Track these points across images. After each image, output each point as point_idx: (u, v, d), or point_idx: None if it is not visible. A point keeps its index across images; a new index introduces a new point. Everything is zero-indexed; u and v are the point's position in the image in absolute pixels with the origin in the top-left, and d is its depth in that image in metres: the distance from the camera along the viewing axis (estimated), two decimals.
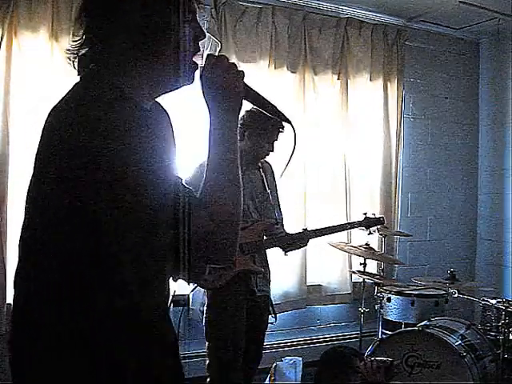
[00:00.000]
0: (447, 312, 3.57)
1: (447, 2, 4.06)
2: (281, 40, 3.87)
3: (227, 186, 1.18)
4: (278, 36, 3.87)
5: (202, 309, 2.94)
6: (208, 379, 2.80)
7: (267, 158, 2.97)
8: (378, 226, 3.49)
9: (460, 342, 2.95)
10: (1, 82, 3.09)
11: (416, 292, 3.51)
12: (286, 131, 2.80)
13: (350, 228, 3.16)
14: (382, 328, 3.54)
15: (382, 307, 3.53)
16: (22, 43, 3.15)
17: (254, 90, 1.28)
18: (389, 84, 4.34)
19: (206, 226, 1.13)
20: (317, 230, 2.96)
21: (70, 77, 1.32)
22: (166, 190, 1.12)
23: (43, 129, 1.17)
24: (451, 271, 3.26)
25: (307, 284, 3.98)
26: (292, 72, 3.93)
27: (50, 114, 1.17)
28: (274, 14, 3.85)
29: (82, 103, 1.10)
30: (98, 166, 1.00)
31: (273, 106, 1.31)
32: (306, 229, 2.94)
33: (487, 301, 3.19)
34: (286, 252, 2.90)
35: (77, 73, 1.25)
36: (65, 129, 1.09)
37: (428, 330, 2.97)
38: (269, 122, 2.73)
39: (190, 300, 3.52)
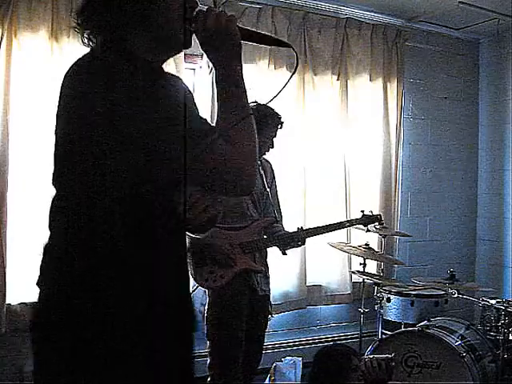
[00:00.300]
0: (447, 312, 3.57)
1: (447, 2, 4.06)
2: None
3: (241, 120, 1.25)
4: (277, 36, 3.86)
5: (201, 308, 2.94)
6: (209, 379, 2.81)
7: (266, 157, 2.98)
8: (378, 226, 3.50)
9: (460, 342, 2.95)
10: (1, 82, 3.09)
11: (416, 292, 3.51)
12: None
13: (348, 226, 3.16)
14: (382, 328, 3.54)
15: (381, 307, 3.53)
16: (22, 43, 3.15)
17: (247, 29, 1.33)
18: (389, 84, 4.34)
19: (225, 151, 1.19)
20: (314, 228, 2.96)
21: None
22: (177, 144, 1.16)
23: (62, 86, 1.23)
24: (451, 271, 3.26)
25: (307, 284, 3.98)
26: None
27: (69, 73, 1.23)
28: (274, 14, 3.85)
29: (97, 62, 1.18)
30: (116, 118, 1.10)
31: (270, 36, 1.39)
32: (302, 228, 2.94)
33: (487, 301, 3.19)
34: (283, 251, 2.90)
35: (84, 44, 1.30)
36: (85, 82, 1.16)
37: (428, 330, 2.97)
38: (268, 118, 2.75)
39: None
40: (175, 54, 1.37)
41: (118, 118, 1.11)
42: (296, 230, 2.92)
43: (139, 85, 1.13)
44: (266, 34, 1.39)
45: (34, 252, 3.21)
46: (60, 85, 1.23)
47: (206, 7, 1.28)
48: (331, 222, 3.04)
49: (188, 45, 1.29)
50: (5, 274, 3.08)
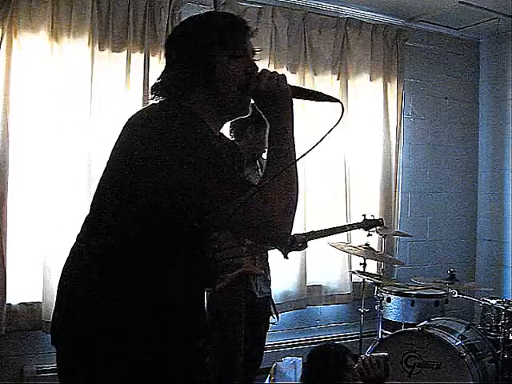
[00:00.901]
0: (447, 312, 3.57)
1: (447, 2, 4.06)
2: (281, 40, 3.88)
3: (283, 175, 1.36)
4: (277, 36, 3.87)
5: None
6: None
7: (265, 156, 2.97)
8: (378, 226, 3.50)
9: (460, 342, 2.95)
10: (1, 82, 3.09)
11: (416, 292, 3.51)
12: None
13: (349, 230, 3.16)
14: (382, 328, 3.54)
15: (381, 307, 3.53)
16: (22, 43, 3.15)
17: (298, 87, 1.44)
18: (389, 84, 4.34)
19: (259, 206, 1.26)
20: (316, 231, 2.96)
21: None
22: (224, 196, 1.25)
23: (127, 129, 1.35)
24: (451, 271, 3.26)
25: (307, 284, 3.98)
26: (292, 72, 3.93)
27: (129, 125, 1.35)
28: (274, 14, 3.85)
29: (162, 120, 1.28)
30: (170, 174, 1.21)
31: (319, 92, 1.48)
32: (297, 234, 2.93)
33: (487, 301, 3.19)
34: (285, 255, 2.89)
35: (150, 98, 1.42)
36: (147, 129, 1.27)
37: (428, 330, 2.97)
38: None
39: None
40: (233, 118, 1.48)
41: (167, 165, 1.22)
42: (300, 233, 2.92)
43: (191, 141, 1.22)
44: (317, 91, 1.48)
45: (35, 252, 3.22)
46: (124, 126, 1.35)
47: (261, 70, 1.38)
48: (332, 225, 3.04)
49: (246, 112, 1.42)
50: (5, 273, 3.08)
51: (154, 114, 1.32)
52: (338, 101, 1.39)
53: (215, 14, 1.49)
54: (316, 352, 2.50)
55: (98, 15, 3.29)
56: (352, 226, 3.11)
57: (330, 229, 3.01)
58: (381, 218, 3.18)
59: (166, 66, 1.41)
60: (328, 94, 1.44)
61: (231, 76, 1.34)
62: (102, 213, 1.35)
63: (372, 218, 3.14)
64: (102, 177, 1.39)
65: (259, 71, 1.36)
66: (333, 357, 2.39)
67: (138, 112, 1.38)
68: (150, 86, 1.42)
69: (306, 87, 1.47)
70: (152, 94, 1.39)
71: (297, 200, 1.37)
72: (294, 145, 1.40)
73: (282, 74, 1.35)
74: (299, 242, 2.88)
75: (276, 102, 1.34)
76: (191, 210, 1.25)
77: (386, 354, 2.38)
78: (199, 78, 1.33)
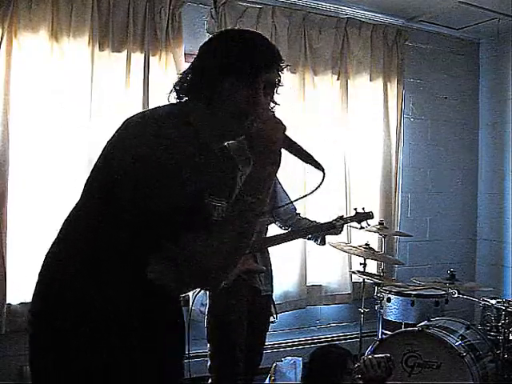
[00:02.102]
0: (447, 312, 3.57)
1: (447, 2, 4.06)
2: (281, 40, 3.87)
3: (235, 232, 1.26)
4: (278, 36, 3.87)
5: (201, 309, 2.94)
6: (210, 380, 2.80)
7: None
8: (378, 226, 3.50)
9: (460, 342, 2.95)
10: (1, 82, 3.09)
11: (416, 292, 3.51)
12: None
13: (342, 223, 3.15)
14: (382, 328, 3.54)
15: (381, 307, 3.53)
16: (22, 43, 3.15)
17: (292, 142, 1.37)
18: (389, 84, 4.34)
19: (195, 247, 1.22)
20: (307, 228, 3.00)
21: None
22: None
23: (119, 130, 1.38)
24: (451, 271, 3.26)
25: (307, 284, 3.98)
26: (292, 72, 3.93)
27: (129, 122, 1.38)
28: (274, 14, 3.85)
29: (155, 124, 1.30)
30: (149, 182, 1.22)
31: (309, 155, 1.42)
32: (342, 216, 3.02)
33: (487, 301, 3.19)
34: (322, 241, 2.95)
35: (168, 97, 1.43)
36: (134, 140, 1.29)
37: (428, 330, 2.97)
38: None
39: (190, 300, 3.52)
40: (231, 139, 1.46)
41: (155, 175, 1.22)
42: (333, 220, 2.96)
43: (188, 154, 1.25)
44: (308, 152, 1.40)
45: (35, 252, 3.21)
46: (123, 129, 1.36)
47: (265, 113, 1.35)
48: (325, 221, 3.04)
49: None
50: (5, 273, 3.08)
51: (141, 117, 1.36)
52: (322, 170, 1.41)
53: (248, 37, 1.44)
54: (317, 353, 2.51)
55: (98, 15, 3.29)
56: (345, 220, 3.11)
57: (323, 224, 3.02)
58: (371, 211, 3.18)
59: (189, 68, 1.44)
60: (317, 160, 1.42)
61: (233, 99, 1.33)
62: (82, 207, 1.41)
63: (363, 211, 3.15)
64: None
65: (263, 110, 1.35)
66: (333, 358, 2.40)
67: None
68: (173, 84, 1.43)
69: (300, 146, 1.41)
70: (172, 92, 1.42)
71: (242, 254, 1.31)
72: (265, 197, 1.30)
73: (279, 124, 1.33)
74: (339, 227, 2.93)
75: (262, 148, 1.30)
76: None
77: (388, 355, 2.37)
78: (206, 91, 1.34)
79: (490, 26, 4.48)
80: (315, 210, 3.94)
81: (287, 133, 1.35)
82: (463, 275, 3.95)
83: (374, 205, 4.22)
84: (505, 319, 3.01)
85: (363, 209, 3.15)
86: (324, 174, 1.39)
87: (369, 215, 3.14)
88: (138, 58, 3.41)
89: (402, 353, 2.94)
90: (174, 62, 3.49)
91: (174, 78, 1.46)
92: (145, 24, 3.41)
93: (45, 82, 3.19)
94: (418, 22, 4.53)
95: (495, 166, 4.82)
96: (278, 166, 1.32)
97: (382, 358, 2.35)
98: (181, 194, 1.22)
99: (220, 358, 2.74)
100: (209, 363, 2.80)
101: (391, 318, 3.53)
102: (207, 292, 2.81)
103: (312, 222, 3.04)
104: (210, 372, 2.80)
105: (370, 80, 4.27)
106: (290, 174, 3.87)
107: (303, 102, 3.96)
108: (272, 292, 2.96)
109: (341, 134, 4.11)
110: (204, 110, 1.35)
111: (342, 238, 3.82)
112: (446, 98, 4.79)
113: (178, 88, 1.40)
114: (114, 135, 1.37)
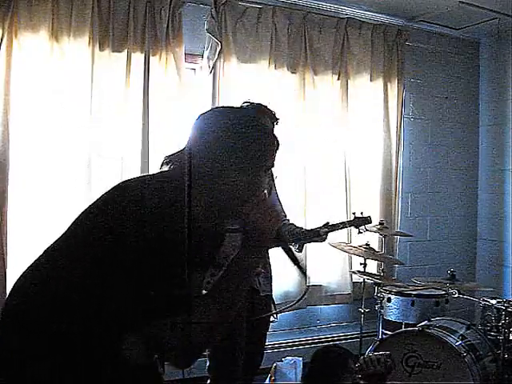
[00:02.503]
0: (447, 312, 3.57)
1: (447, 2, 4.06)
2: (281, 40, 3.87)
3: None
4: (278, 36, 3.87)
5: None
6: (209, 380, 2.80)
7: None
8: (378, 226, 3.50)
9: (460, 342, 2.95)
10: (1, 82, 3.09)
11: (416, 292, 3.51)
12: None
13: (341, 228, 3.15)
14: (382, 328, 3.54)
15: (382, 307, 3.53)
16: (22, 43, 3.15)
17: (283, 241, 1.40)
18: (389, 84, 4.34)
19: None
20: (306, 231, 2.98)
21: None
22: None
23: None
24: (451, 271, 3.26)
25: (307, 284, 3.97)
26: (292, 72, 3.93)
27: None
28: (274, 14, 3.84)
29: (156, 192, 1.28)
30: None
31: (296, 259, 1.41)
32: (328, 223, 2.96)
33: (487, 301, 3.19)
34: (298, 248, 2.92)
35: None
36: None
37: (428, 330, 2.97)
38: (263, 116, 2.76)
39: None
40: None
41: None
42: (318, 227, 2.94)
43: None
44: (295, 257, 1.40)
45: (34, 252, 3.21)
46: None
47: (260, 202, 1.32)
48: (326, 222, 3.04)
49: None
50: (5, 273, 3.08)
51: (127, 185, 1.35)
52: (305, 276, 1.44)
53: (253, 123, 1.36)
54: (318, 353, 2.51)
55: (98, 15, 3.29)
56: (344, 224, 3.11)
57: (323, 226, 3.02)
58: (369, 216, 3.17)
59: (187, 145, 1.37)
60: (302, 265, 1.42)
61: (231, 185, 1.30)
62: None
63: (361, 215, 3.15)
64: None
65: (263, 198, 1.33)
66: (333, 358, 2.40)
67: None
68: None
69: (291, 252, 1.42)
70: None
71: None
72: (244, 283, 1.32)
73: (279, 219, 1.33)
74: (323, 235, 2.90)
75: (255, 238, 1.31)
76: None
77: (388, 352, 2.37)
78: (206, 171, 1.30)
79: (490, 26, 4.48)
80: (315, 210, 3.94)
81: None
82: (463, 275, 3.95)
83: (374, 205, 4.23)
84: (505, 319, 3.01)
85: (361, 213, 3.15)
86: (306, 277, 1.42)
87: (367, 220, 3.14)
88: (138, 57, 3.41)
89: (402, 353, 2.94)
90: (174, 62, 3.49)
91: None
92: (145, 24, 3.41)
93: (45, 81, 3.19)
94: (418, 22, 4.53)
95: (495, 165, 4.82)
96: (263, 257, 1.34)
97: (381, 354, 2.35)
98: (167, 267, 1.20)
99: (219, 358, 2.74)
100: (208, 363, 2.80)
101: (391, 317, 3.53)
102: None
103: (297, 228, 3.00)
104: (210, 372, 2.79)
105: (370, 80, 4.27)
106: (290, 174, 3.88)
107: (303, 101, 3.96)
108: (271, 292, 2.96)
109: (341, 134, 4.11)
110: (201, 188, 1.31)
111: (342, 238, 3.83)
112: (446, 98, 4.79)
113: (175, 160, 1.36)
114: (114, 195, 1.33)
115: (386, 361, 2.32)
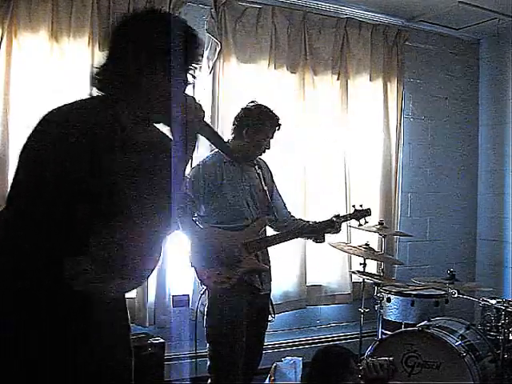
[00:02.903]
0: (447, 312, 3.57)
1: (447, 2, 4.06)
2: (281, 40, 3.88)
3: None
4: (277, 36, 3.87)
5: (201, 309, 2.94)
6: (209, 380, 2.80)
7: (262, 157, 2.98)
8: (378, 226, 3.50)
9: (460, 342, 2.95)
10: (1, 82, 3.09)
11: (416, 292, 3.51)
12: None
13: (342, 221, 3.16)
14: (382, 328, 3.54)
15: (381, 307, 3.53)
16: (21, 43, 3.15)
17: (209, 127, 1.44)
18: (389, 84, 4.34)
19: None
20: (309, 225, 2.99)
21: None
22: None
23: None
24: (451, 271, 3.26)
25: (307, 284, 3.98)
26: (292, 72, 3.93)
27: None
28: (274, 14, 3.85)
29: (68, 110, 1.37)
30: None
31: (221, 140, 1.50)
32: (338, 215, 2.99)
33: (487, 301, 3.19)
34: (320, 239, 2.94)
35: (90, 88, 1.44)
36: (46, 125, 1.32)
37: (428, 330, 2.97)
38: (266, 118, 2.77)
39: (190, 300, 3.53)
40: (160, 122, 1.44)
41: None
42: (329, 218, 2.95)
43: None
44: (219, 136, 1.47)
45: None
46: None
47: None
48: (336, 214, 3.05)
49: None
50: None
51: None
52: (233, 158, 1.49)
53: (159, 21, 1.39)
54: (319, 353, 2.51)
55: (98, 15, 3.29)
56: (345, 218, 3.12)
57: (326, 221, 3.03)
58: (368, 208, 3.18)
59: (108, 55, 1.41)
60: (227, 145, 1.49)
61: (154, 85, 1.34)
62: None
63: (360, 208, 3.16)
64: None
65: (176, 93, 1.35)
66: (335, 358, 2.40)
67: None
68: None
69: (213, 129, 1.50)
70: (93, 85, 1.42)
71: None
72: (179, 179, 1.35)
73: (198, 107, 1.35)
74: (338, 226, 2.92)
75: (179, 131, 1.32)
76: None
77: (390, 358, 2.38)
78: (127, 79, 1.34)
79: (490, 26, 4.48)
80: (315, 211, 3.94)
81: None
82: (463, 275, 3.95)
83: (374, 205, 4.20)
84: (505, 319, 3.01)
85: (361, 206, 3.16)
86: (237, 160, 1.45)
87: (367, 212, 3.15)
88: None
89: (402, 353, 2.94)
90: None
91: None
92: None
93: (45, 81, 3.19)
94: (418, 22, 4.53)
95: (495, 165, 4.82)
96: (193, 149, 1.35)
97: (384, 360, 2.36)
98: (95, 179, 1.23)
99: (219, 359, 2.74)
100: (208, 363, 2.80)
101: (391, 317, 3.53)
102: (207, 292, 2.81)
103: (307, 222, 3.03)
104: (210, 372, 2.80)
105: (370, 80, 4.27)
106: (290, 174, 3.88)
107: (303, 101, 3.96)
108: (270, 291, 2.96)
109: (341, 134, 4.11)
110: (126, 97, 1.36)
111: (341, 237, 3.83)
112: (446, 98, 4.79)
113: (98, 79, 1.40)
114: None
115: (389, 366, 2.33)
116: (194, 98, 1.38)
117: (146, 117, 1.39)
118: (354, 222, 3.34)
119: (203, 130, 1.40)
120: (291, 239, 2.94)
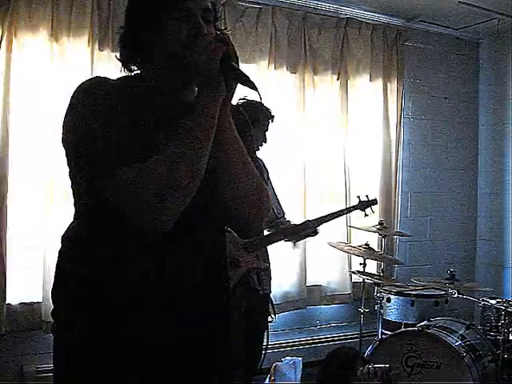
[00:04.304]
0: (447, 312, 3.57)
1: (447, 2, 4.06)
2: (281, 40, 3.87)
3: (174, 155, 1.19)
4: (277, 36, 3.87)
5: None
6: None
7: (257, 154, 2.98)
8: (378, 226, 3.50)
9: (460, 342, 2.95)
10: (1, 82, 3.09)
11: (416, 292, 3.51)
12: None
13: (347, 212, 3.17)
14: (382, 328, 3.54)
15: (381, 307, 3.53)
16: (22, 43, 3.15)
17: (230, 65, 1.29)
18: (389, 84, 4.34)
19: (141, 181, 1.16)
20: (319, 218, 3.00)
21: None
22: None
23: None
24: (451, 271, 3.26)
25: (307, 284, 3.97)
26: (292, 72, 3.93)
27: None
28: (274, 14, 3.85)
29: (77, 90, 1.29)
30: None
31: (246, 76, 1.34)
32: (308, 220, 2.97)
33: (487, 301, 3.19)
34: (294, 244, 2.93)
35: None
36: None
37: (428, 330, 2.97)
38: (259, 112, 2.78)
39: None
40: (191, 80, 1.34)
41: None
42: (304, 221, 2.95)
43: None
44: (245, 75, 1.32)
45: (34, 252, 3.22)
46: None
47: (200, 37, 1.26)
48: (333, 211, 3.05)
49: (201, 71, 1.26)
50: (5, 273, 3.08)
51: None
52: (256, 90, 1.32)
53: None
54: (328, 355, 2.53)
55: (98, 15, 3.29)
56: (349, 209, 3.13)
57: (332, 213, 3.04)
58: (375, 198, 3.19)
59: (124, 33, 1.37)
60: (253, 81, 1.33)
61: (171, 38, 1.26)
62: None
63: (366, 198, 3.16)
64: None
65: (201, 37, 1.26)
66: (342, 360, 2.41)
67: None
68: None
69: (239, 69, 1.34)
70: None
71: (186, 187, 1.17)
72: (206, 122, 1.22)
73: (219, 45, 1.25)
74: (311, 229, 2.91)
75: (201, 72, 1.23)
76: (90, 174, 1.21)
77: (387, 366, 2.37)
78: (143, 42, 1.29)
79: (490, 26, 4.48)
80: (315, 210, 3.94)
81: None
82: (463, 275, 3.95)
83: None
84: (505, 319, 3.01)
85: (367, 196, 3.16)
86: (259, 93, 1.31)
87: (372, 202, 3.15)
88: None
89: (402, 353, 2.94)
90: None
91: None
92: None
93: (45, 81, 3.19)
94: (418, 22, 4.52)
95: (495, 165, 4.82)
96: (222, 90, 1.26)
97: (380, 367, 2.35)
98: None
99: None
100: None
101: (391, 317, 3.53)
102: None
103: (291, 224, 3.03)
104: None
105: (370, 80, 4.27)
106: (290, 174, 3.88)
107: (303, 101, 3.95)
108: (270, 291, 2.96)
109: (341, 134, 4.11)
110: (154, 62, 1.31)
111: (341, 237, 3.83)
112: (446, 98, 4.79)
113: (125, 54, 1.36)
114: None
115: (384, 374, 2.32)
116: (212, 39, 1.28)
117: (174, 78, 1.32)
118: (354, 222, 3.36)
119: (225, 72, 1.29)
120: (276, 241, 2.94)
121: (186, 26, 1.26)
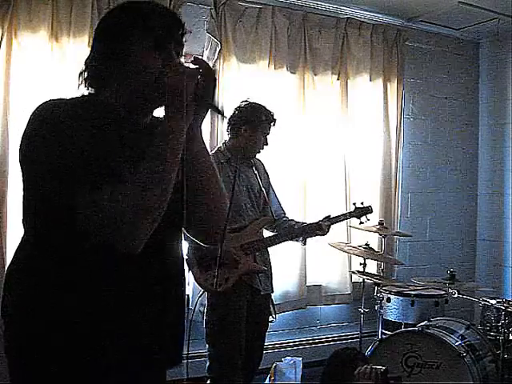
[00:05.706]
0: (447, 312, 3.57)
1: (447, 2, 4.06)
2: (280, 40, 3.87)
3: (147, 178, 1.19)
4: (277, 36, 3.86)
5: (201, 309, 2.94)
6: (208, 380, 2.80)
7: (258, 156, 2.99)
8: (378, 226, 3.50)
9: (460, 342, 2.95)
10: (1, 82, 3.09)
11: (416, 292, 3.51)
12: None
13: (342, 219, 3.18)
14: (382, 328, 3.54)
15: (381, 307, 3.53)
16: (22, 43, 3.15)
17: (205, 94, 1.28)
18: (389, 84, 4.34)
19: (113, 204, 1.16)
20: (333, 217, 3.05)
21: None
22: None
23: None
24: (451, 271, 3.26)
25: (307, 284, 3.97)
26: (292, 72, 3.93)
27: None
28: (274, 14, 3.84)
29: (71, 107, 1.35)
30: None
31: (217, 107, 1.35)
32: (328, 216, 3.03)
33: (487, 301, 3.19)
34: (304, 242, 2.95)
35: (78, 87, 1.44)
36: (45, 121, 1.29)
37: (428, 330, 2.97)
38: (261, 115, 2.78)
39: (190, 300, 3.52)
40: (156, 107, 1.37)
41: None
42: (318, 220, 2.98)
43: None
44: (215, 106, 1.33)
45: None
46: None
47: (172, 63, 1.29)
48: (327, 215, 3.06)
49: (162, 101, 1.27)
50: (4, 268, 3.08)
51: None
52: (222, 115, 1.36)
53: (136, 4, 1.41)
54: (334, 353, 2.54)
55: (98, 15, 3.29)
56: (345, 216, 3.14)
57: (343, 214, 3.06)
58: (370, 206, 3.19)
59: (90, 54, 1.40)
60: (221, 109, 1.35)
61: (143, 68, 1.29)
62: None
63: (361, 205, 3.16)
64: None
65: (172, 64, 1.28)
66: (344, 360, 2.41)
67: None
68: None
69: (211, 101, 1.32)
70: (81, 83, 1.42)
71: (157, 209, 1.19)
72: (176, 149, 1.22)
73: (193, 72, 1.25)
74: (325, 228, 2.93)
75: (171, 99, 1.23)
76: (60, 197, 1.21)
77: (383, 367, 2.36)
78: (113, 70, 1.32)
79: (490, 26, 4.48)
80: (315, 211, 3.94)
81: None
82: (463, 275, 3.95)
83: (373, 205, 4.19)
84: (505, 319, 3.01)
85: (362, 203, 3.17)
86: (223, 116, 1.36)
87: (368, 209, 3.16)
88: None
89: (402, 353, 2.94)
90: None
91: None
92: None
93: (45, 81, 3.19)
94: (418, 22, 4.53)
95: (495, 166, 4.82)
96: (190, 116, 1.25)
97: (376, 368, 2.34)
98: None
99: (219, 359, 2.74)
100: (208, 363, 2.80)
101: (391, 318, 3.53)
102: (206, 293, 2.81)
103: (297, 223, 3.04)
104: (209, 372, 2.80)
105: (370, 80, 4.27)
106: (290, 174, 3.88)
107: (303, 102, 3.96)
108: (271, 292, 2.96)
109: (341, 134, 4.11)
110: (121, 89, 1.33)
111: (341, 237, 3.83)
112: (446, 98, 4.79)
113: (88, 76, 1.40)
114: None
115: (378, 376, 2.31)
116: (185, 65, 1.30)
117: (139, 104, 1.34)
118: (354, 222, 3.36)
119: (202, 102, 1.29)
120: (288, 240, 2.95)
121: (158, 56, 1.30)
